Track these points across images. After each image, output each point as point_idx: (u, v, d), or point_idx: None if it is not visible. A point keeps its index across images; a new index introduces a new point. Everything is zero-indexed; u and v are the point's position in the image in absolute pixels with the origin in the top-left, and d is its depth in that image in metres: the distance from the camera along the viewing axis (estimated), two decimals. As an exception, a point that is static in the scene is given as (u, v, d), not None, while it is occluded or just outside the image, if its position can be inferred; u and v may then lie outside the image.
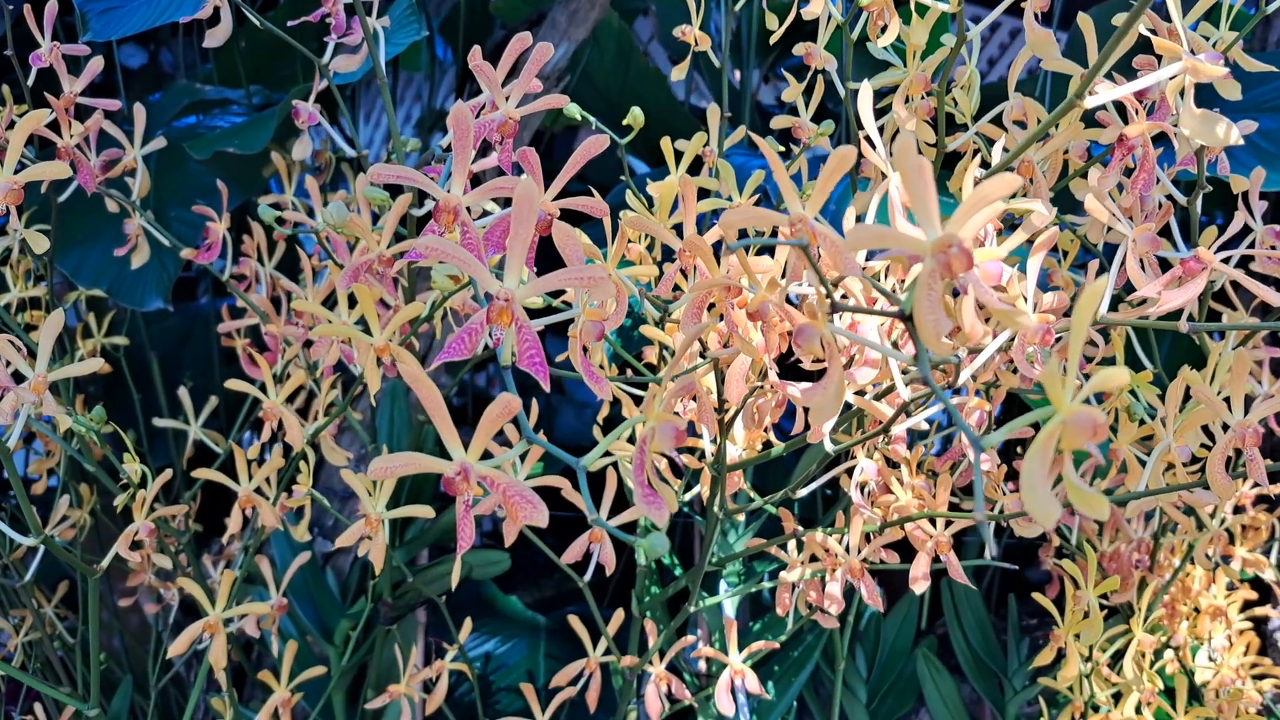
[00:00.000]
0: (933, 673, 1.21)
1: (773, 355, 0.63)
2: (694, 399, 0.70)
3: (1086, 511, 0.36)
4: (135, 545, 0.91)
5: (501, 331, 0.47)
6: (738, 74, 1.70)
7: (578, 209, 0.59)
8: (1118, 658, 1.00)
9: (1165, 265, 0.70)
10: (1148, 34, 0.59)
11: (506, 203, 0.95)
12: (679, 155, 0.83)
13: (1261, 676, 1.10)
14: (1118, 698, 0.99)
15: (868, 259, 0.68)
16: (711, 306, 0.64)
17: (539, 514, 0.42)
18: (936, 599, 1.33)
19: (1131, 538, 1.02)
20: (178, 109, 1.45)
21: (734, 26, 1.62)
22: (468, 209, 0.55)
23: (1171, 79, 0.57)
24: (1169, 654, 1.05)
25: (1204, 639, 1.09)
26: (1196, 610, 1.08)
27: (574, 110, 0.76)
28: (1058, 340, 0.67)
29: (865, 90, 0.56)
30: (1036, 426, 0.36)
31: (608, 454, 0.83)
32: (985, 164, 0.84)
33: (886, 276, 0.66)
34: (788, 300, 0.60)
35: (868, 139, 0.59)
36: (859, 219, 0.66)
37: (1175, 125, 0.62)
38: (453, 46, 1.82)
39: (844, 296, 0.62)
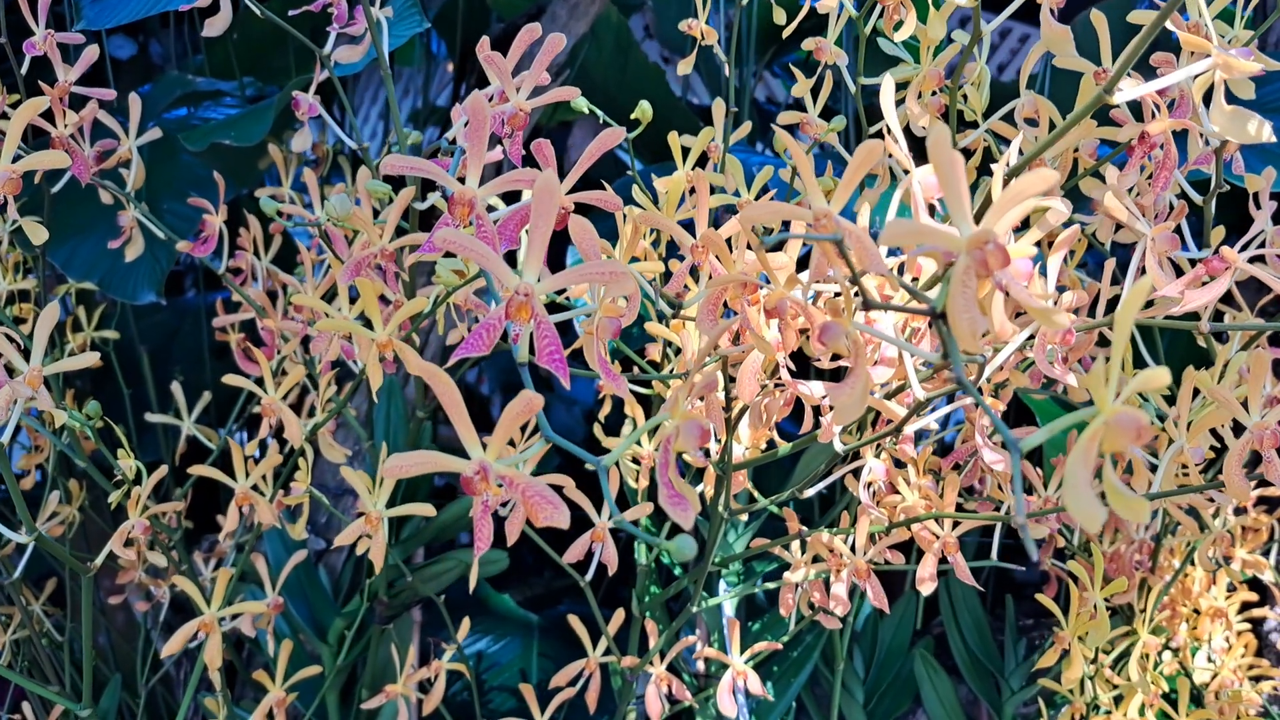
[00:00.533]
0: (930, 673, 1.21)
1: (787, 353, 0.62)
2: (700, 398, 0.69)
3: (1126, 515, 0.35)
4: (128, 542, 0.89)
5: (519, 327, 0.46)
6: (728, 70, 1.69)
7: (592, 203, 0.58)
8: (1119, 659, 1.00)
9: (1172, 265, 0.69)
10: (1172, 29, 0.59)
11: (507, 197, 0.94)
12: (685, 151, 0.82)
13: (1258, 678, 1.10)
14: (1118, 700, 0.99)
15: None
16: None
17: (560, 515, 0.41)
18: (932, 598, 1.32)
19: (1132, 538, 1.02)
20: (169, 100, 1.43)
21: (731, 23, 1.62)
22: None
23: (1199, 75, 0.56)
24: (1167, 655, 1.05)
25: (1203, 640, 1.08)
26: (1196, 611, 1.08)
27: (582, 103, 0.75)
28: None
29: (887, 83, 0.55)
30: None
31: (605, 452, 0.83)
32: (991, 161, 0.84)
33: (901, 274, 0.66)
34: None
35: (889, 132, 0.58)
36: (871, 215, 0.65)
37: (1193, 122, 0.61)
38: (447, 41, 1.81)
39: (858, 294, 0.62)
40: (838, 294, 0.61)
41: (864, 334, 0.49)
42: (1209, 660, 1.09)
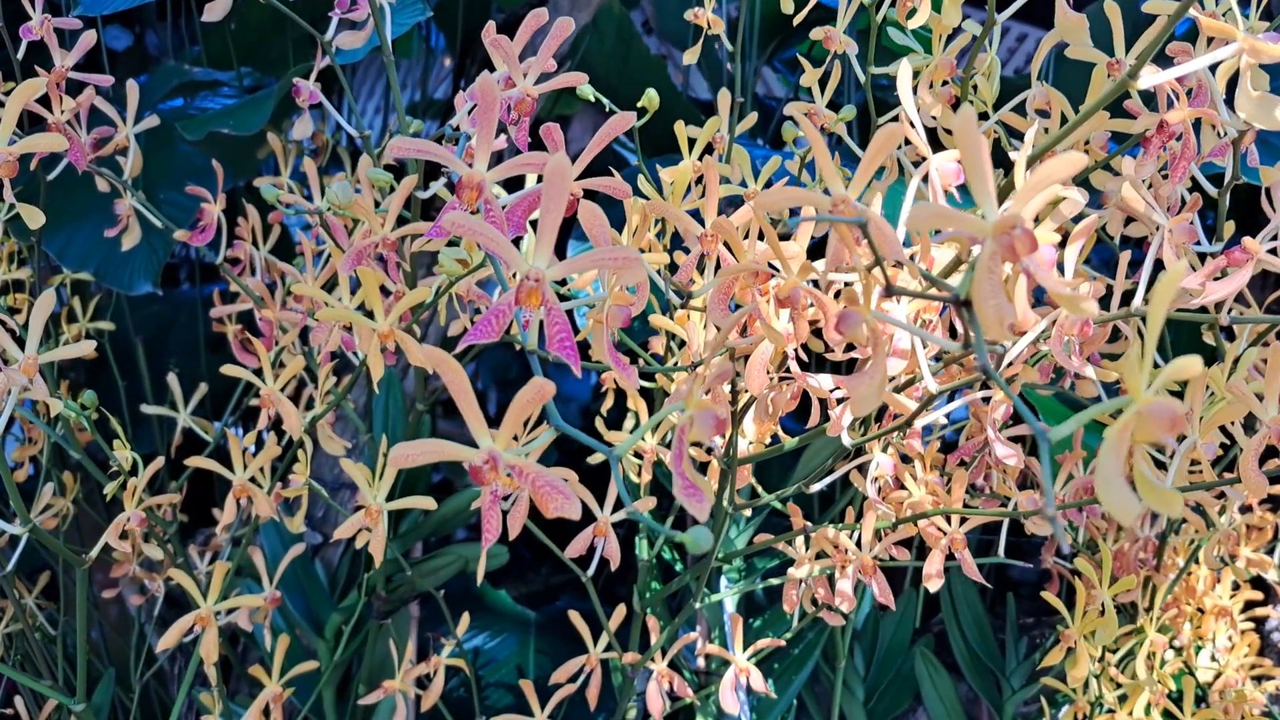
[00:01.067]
0: (930, 671, 1.20)
1: (798, 344, 0.61)
2: (708, 390, 0.68)
3: (1159, 508, 0.34)
4: (122, 535, 0.88)
5: (529, 314, 0.44)
6: (729, 65, 1.68)
7: (601, 189, 0.57)
8: (1123, 658, 0.99)
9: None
10: (1193, 14, 0.58)
11: (509, 184, 0.93)
12: (691, 142, 0.82)
13: (1260, 678, 1.09)
14: (1122, 699, 0.98)
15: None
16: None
17: (571, 505, 0.40)
18: (932, 596, 1.32)
19: (1137, 536, 1.01)
20: (166, 90, 1.41)
21: (734, 16, 1.60)
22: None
23: (1223, 61, 0.55)
24: (1170, 654, 1.04)
25: (1207, 639, 1.08)
26: (1200, 610, 1.07)
27: (587, 91, 0.74)
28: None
29: (904, 69, 0.54)
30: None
31: (608, 446, 0.82)
32: (1001, 153, 0.83)
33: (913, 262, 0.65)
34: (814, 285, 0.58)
35: (905, 118, 0.57)
36: (885, 203, 0.64)
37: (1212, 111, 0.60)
38: (446, 33, 1.79)
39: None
40: (848, 284, 0.60)
41: (887, 322, 0.48)
42: (1212, 659, 1.09)
